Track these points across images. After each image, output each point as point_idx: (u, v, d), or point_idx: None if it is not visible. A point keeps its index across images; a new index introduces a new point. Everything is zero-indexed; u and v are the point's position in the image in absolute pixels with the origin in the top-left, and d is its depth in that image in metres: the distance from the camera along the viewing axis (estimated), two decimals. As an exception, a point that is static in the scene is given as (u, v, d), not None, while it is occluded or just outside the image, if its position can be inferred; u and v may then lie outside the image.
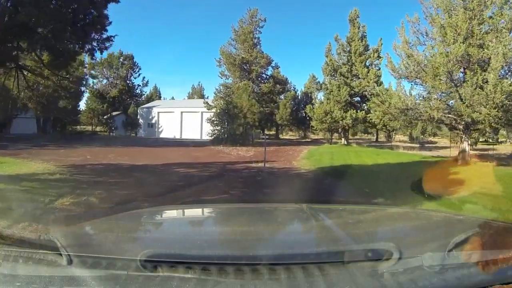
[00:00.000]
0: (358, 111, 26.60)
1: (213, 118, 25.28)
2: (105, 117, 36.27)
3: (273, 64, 32.85)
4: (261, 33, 31.80)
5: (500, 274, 0.81)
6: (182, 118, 33.82)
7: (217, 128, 24.88)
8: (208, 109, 27.31)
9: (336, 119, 26.01)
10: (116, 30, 68.19)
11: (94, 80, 39.83)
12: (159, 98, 49.50)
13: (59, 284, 0.80)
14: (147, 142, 25.71)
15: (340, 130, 28.98)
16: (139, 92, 45.57)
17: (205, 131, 28.28)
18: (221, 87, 29.15)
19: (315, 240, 1.26)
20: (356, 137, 43.03)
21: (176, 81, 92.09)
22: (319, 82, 28.85)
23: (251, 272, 0.81)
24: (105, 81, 39.84)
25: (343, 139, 29.88)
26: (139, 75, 45.58)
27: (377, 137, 46.65)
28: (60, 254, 0.88)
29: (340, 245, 1.05)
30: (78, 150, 16.20)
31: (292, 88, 42.76)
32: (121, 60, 40.15)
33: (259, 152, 19.41)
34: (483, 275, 0.81)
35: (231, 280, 0.79)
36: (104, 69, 39.40)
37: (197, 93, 55.54)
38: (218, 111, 26.11)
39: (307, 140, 43.69)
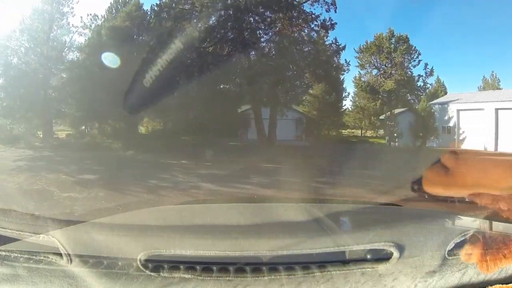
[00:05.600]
0: None
1: None
2: (380, 117, 26.74)
3: None
4: None
5: (500, 274, 0.79)
6: (497, 118, 21.34)
7: None
8: None
9: None
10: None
11: (362, 71, 33.99)
12: (445, 93, 36.78)
13: (59, 284, 0.78)
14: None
15: None
16: (422, 84, 35.44)
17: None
18: None
19: (315, 240, 1.17)
20: None
21: (460, 74, 66.88)
22: None
23: (252, 272, 0.79)
24: (375, 71, 33.25)
25: None
26: (418, 62, 34.08)
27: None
28: (60, 254, 0.85)
29: (340, 245, 0.99)
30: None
31: None
32: (392, 42, 31.91)
33: None
34: (483, 275, 0.79)
35: (232, 280, 0.78)
36: (372, 56, 32.76)
37: (491, 87, 37.99)
38: None
39: None
